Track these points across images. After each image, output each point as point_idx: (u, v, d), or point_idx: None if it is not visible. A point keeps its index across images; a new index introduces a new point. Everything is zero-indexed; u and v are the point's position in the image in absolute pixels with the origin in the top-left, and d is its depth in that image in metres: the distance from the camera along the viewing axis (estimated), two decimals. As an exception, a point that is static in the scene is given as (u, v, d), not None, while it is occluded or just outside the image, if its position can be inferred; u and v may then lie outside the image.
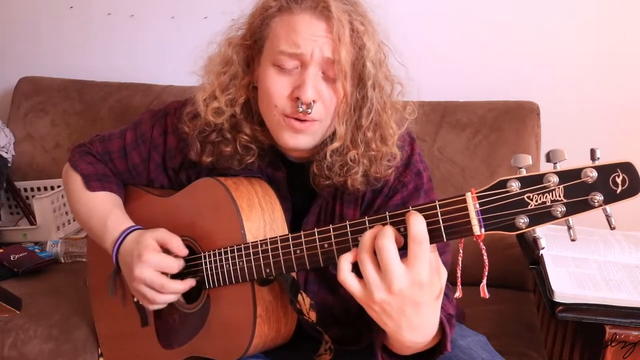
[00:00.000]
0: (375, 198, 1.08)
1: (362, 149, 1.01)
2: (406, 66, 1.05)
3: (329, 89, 0.99)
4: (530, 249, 1.39)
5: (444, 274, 0.80)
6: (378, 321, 0.82)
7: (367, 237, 0.78)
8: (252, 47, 1.05)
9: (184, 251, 1.08)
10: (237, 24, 1.08)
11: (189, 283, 1.08)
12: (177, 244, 1.08)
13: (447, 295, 1.01)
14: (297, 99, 0.97)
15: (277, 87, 0.99)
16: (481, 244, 0.76)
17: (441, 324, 0.86)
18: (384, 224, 0.80)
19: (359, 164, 1.02)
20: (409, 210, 0.78)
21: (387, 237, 0.76)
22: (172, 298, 1.09)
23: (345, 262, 0.80)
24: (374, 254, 0.77)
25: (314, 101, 0.97)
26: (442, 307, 0.91)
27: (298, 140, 1.01)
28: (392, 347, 0.90)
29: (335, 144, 1.01)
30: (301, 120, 0.98)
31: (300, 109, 0.96)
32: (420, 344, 0.85)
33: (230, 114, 1.06)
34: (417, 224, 0.75)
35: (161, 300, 1.08)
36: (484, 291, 0.77)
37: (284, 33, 0.98)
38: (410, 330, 0.80)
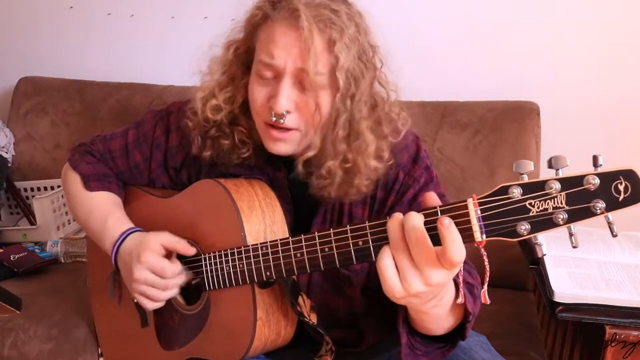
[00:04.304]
0: (388, 196, 1.08)
1: (338, 160, 1.01)
2: (401, 71, 1.04)
3: (304, 99, 0.99)
4: (530, 249, 1.38)
5: None
6: (406, 304, 0.81)
7: (394, 227, 0.75)
8: (249, 51, 1.06)
9: (192, 250, 1.08)
10: (237, 26, 1.08)
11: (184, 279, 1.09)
12: (184, 247, 1.08)
13: (470, 272, 1.00)
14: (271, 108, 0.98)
15: (257, 96, 1.01)
16: (482, 250, 0.76)
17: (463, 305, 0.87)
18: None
19: (334, 176, 1.01)
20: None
21: (417, 220, 0.73)
22: (173, 293, 1.09)
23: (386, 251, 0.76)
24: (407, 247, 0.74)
25: (287, 112, 0.98)
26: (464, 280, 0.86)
27: (279, 147, 1.03)
28: (412, 323, 0.90)
29: (309, 153, 1.01)
30: (280, 130, 1.00)
31: (273, 119, 0.98)
32: (443, 307, 0.83)
33: (229, 111, 1.07)
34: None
35: (163, 298, 1.09)
36: (485, 297, 0.77)
37: (264, 43, 0.99)
38: (436, 302, 0.80)
